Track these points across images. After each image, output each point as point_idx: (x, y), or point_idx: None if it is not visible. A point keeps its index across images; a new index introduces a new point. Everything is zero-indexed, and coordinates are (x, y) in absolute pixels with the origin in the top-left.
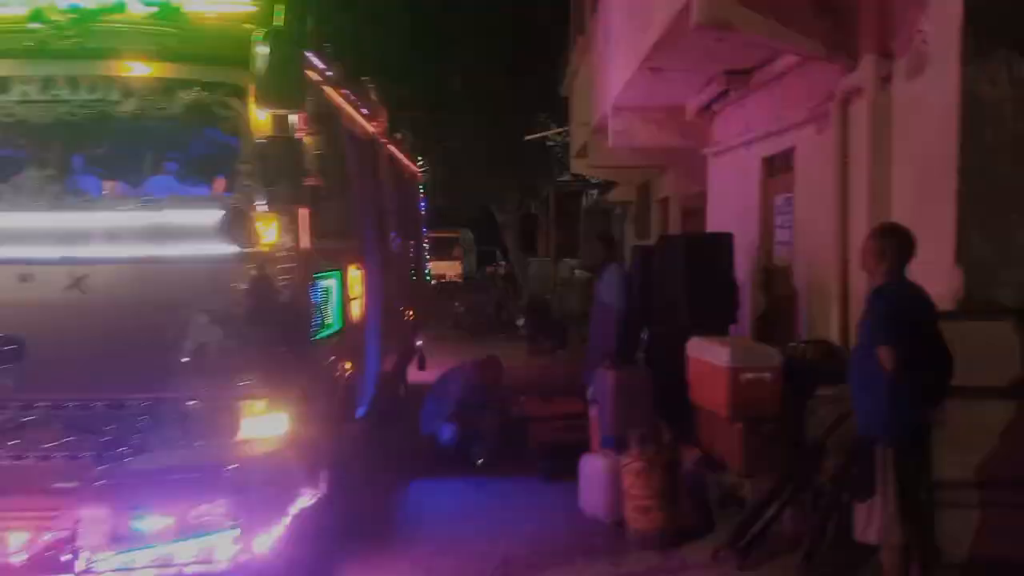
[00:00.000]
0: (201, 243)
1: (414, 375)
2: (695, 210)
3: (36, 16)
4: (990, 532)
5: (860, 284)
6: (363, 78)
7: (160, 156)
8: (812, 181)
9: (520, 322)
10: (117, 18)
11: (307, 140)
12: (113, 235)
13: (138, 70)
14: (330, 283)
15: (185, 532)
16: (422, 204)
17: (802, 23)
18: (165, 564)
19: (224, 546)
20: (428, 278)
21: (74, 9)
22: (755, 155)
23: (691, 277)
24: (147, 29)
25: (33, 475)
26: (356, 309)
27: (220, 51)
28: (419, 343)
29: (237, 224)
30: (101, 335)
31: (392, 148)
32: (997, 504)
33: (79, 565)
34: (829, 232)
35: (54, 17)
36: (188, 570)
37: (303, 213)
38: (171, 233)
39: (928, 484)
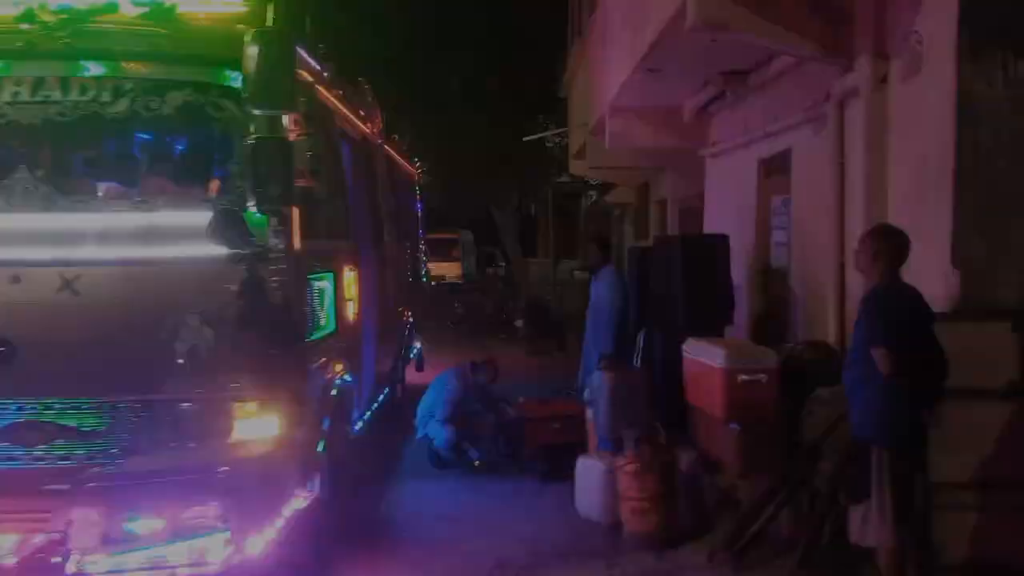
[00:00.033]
0: (192, 245)
1: (412, 376)
2: (693, 211)
3: (27, 17)
4: (987, 534)
5: (857, 285)
6: (359, 79)
7: (151, 157)
8: (809, 183)
9: (519, 323)
10: (108, 19)
11: (300, 141)
12: (104, 236)
13: (129, 71)
14: (323, 284)
15: (177, 534)
16: (419, 205)
17: (797, 24)
18: (157, 566)
19: (216, 548)
20: (426, 279)
21: (65, 10)
22: (752, 156)
23: (687, 278)
24: (138, 30)
25: (24, 477)
26: (351, 310)
27: (211, 52)
28: (417, 344)
29: (228, 225)
30: (92, 337)
31: (388, 149)
32: (994, 506)
33: (70, 567)
34: (826, 233)
35: (45, 18)
36: (180, 572)
37: (295, 214)
38: (162, 235)
39: (924, 486)
